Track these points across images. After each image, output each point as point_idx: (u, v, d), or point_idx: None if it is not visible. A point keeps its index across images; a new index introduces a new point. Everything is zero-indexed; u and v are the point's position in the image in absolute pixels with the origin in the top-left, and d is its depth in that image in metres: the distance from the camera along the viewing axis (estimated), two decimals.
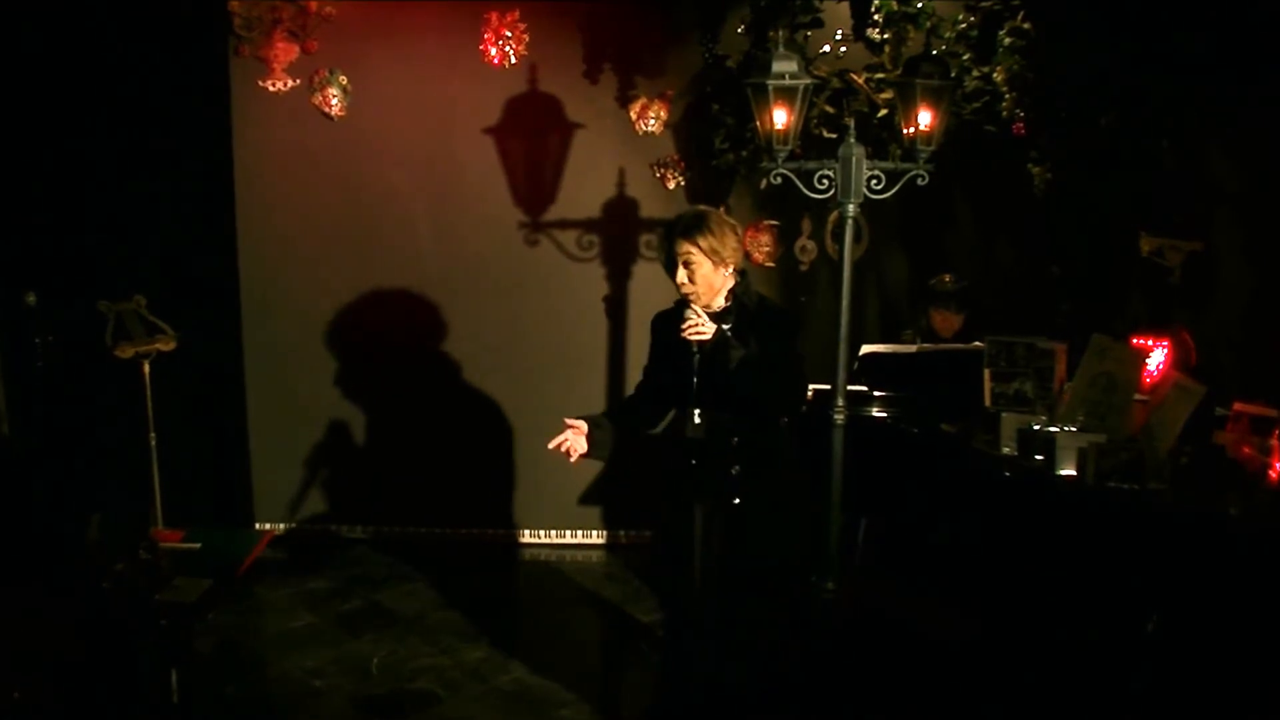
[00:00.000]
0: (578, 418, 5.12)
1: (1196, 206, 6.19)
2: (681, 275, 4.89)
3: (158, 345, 6.84)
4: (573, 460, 5.11)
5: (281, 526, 8.16)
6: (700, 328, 4.77)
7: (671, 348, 4.97)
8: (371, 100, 7.90)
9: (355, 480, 8.29)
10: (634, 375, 7.70)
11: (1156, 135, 6.31)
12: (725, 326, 4.85)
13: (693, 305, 4.87)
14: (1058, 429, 5.51)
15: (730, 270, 4.92)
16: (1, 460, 6.70)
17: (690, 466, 5.01)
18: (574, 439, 5.07)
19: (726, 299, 4.96)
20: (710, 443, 4.96)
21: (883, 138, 7.08)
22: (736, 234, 4.96)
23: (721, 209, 7.47)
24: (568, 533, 8.29)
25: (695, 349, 4.86)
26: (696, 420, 4.96)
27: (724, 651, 5.09)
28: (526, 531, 8.31)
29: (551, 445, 5.11)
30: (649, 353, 5.27)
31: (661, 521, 5.35)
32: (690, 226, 4.89)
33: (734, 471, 4.94)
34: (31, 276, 6.75)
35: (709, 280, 4.89)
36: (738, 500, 4.94)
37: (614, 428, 5.17)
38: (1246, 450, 5.01)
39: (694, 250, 4.85)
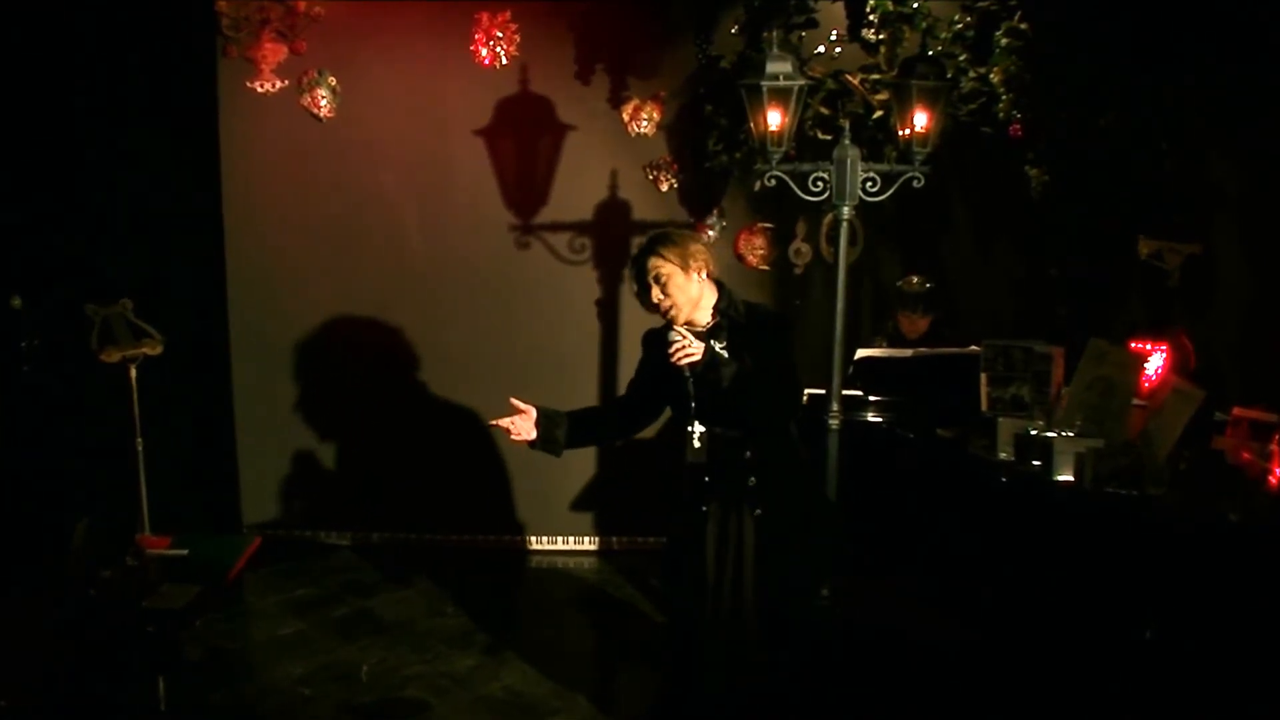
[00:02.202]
0: (531, 404, 5.06)
1: (1196, 209, 6.14)
2: (656, 294, 4.80)
3: (144, 349, 6.78)
4: (512, 439, 5.03)
5: (270, 532, 8.05)
6: (689, 350, 4.63)
7: (662, 369, 4.83)
8: (361, 101, 7.88)
9: (344, 486, 8.26)
10: (626, 378, 7.66)
11: (1155, 137, 6.26)
12: (719, 346, 4.75)
13: (675, 327, 4.75)
14: (1055, 434, 5.46)
15: (702, 276, 4.83)
16: None
17: (703, 483, 4.92)
18: (520, 423, 5.01)
19: (713, 316, 4.87)
20: (721, 461, 4.86)
21: (878, 139, 7.05)
22: (700, 239, 4.96)
23: (715, 212, 7.55)
24: (560, 539, 8.26)
25: (688, 372, 4.72)
26: (696, 444, 4.84)
27: (732, 663, 5.02)
28: (519, 538, 8.28)
29: (492, 423, 5.05)
30: (637, 367, 5.17)
31: (674, 534, 5.25)
32: (651, 243, 4.84)
33: (750, 483, 4.86)
34: (17, 280, 6.71)
35: (685, 291, 4.79)
36: (759, 511, 4.86)
37: (570, 427, 5.10)
38: (1246, 455, 4.95)
39: (662, 263, 4.76)
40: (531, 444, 5.05)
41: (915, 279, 7.15)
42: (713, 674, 5.04)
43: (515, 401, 5.04)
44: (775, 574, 4.90)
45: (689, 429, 4.84)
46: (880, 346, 7.04)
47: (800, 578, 5.05)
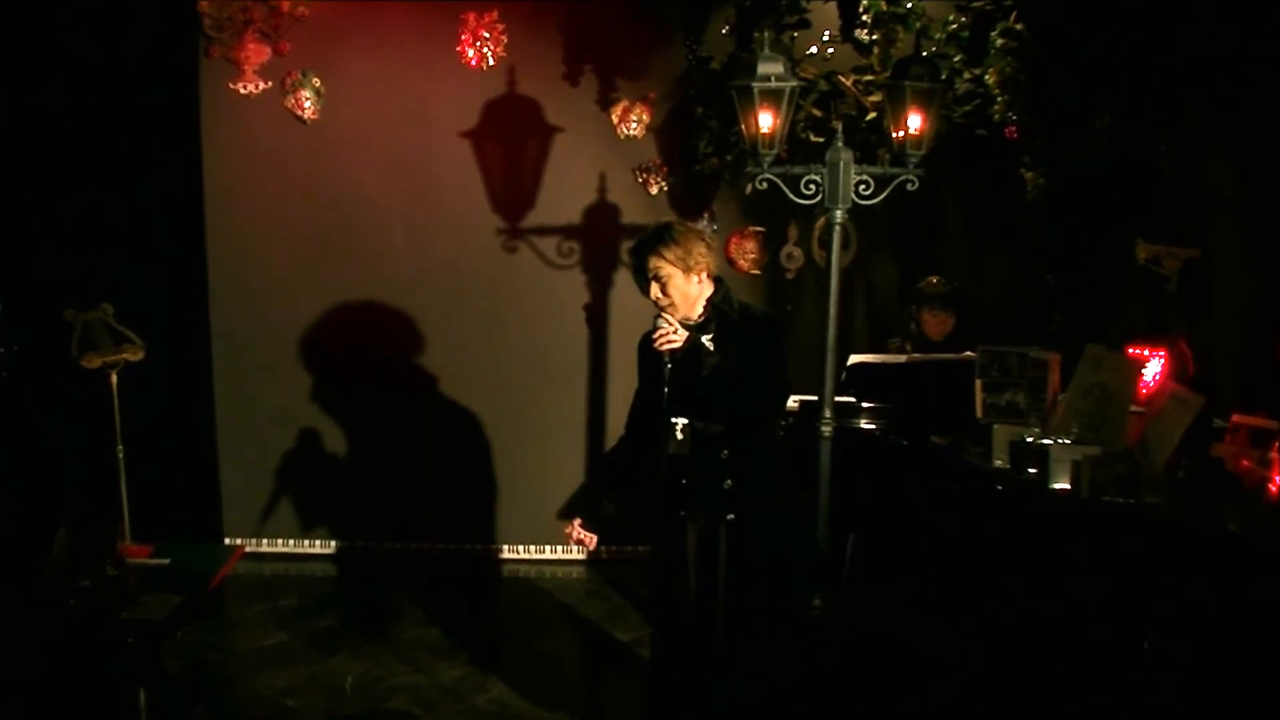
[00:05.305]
0: (583, 524, 5.26)
1: (1194, 212, 6.11)
2: (655, 291, 4.87)
3: (125, 355, 6.78)
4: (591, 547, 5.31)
5: (253, 542, 8.03)
6: (671, 337, 4.75)
7: (652, 363, 4.92)
8: (345, 103, 7.82)
9: (329, 494, 8.20)
10: (615, 385, 7.74)
11: (1153, 139, 6.22)
12: (706, 337, 4.83)
13: (664, 315, 4.83)
14: (1051, 441, 5.42)
15: (703, 278, 4.89)
16: None
17: (680, 484, 4.93)
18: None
19: (705, 309, 4.91)
20: (699, 458, 4.88)
21: (871, 142, 7.02)
22: (704, 240, 4.92)
23: (706, 214, 7.48)
24: (547, 548, 8.18)
25: (667, 359, 4.80)
26: (679, 436, 4.89)
27: (715, 671, 5.02)
28: (505, 546, 8.21)
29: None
30: (639, 377, 5.17)
31: (658, 542, 5.25)
32: (654, 239, 4.86)
33: (726, 486, 4.86)
34: None
35: (684, 291, 4.85)
36: (732, 516, 4.87)
37: (609, 488, 5.25)
38: (1245, 463, 4.92)
39: (663, 263, 4.82)
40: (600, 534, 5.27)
41: (936, 279, 7.07)
42: (696, 682, 5.06)
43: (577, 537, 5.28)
44: (748, 581, 4.92)
45: (672, 420, 4.89)
46: (897, 348, 7.03)
47: (772, 585, 5.02)
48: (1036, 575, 5.35)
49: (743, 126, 5.85)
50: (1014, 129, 6.96)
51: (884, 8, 7.02)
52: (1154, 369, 5.62)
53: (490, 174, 7.82)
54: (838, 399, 6.07)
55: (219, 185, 7.82)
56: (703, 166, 7.54)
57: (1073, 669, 5.13)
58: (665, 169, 7.82)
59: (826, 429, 5.92)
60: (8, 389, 6.77)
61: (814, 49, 7.27)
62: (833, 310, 5.92)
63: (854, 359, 6.59)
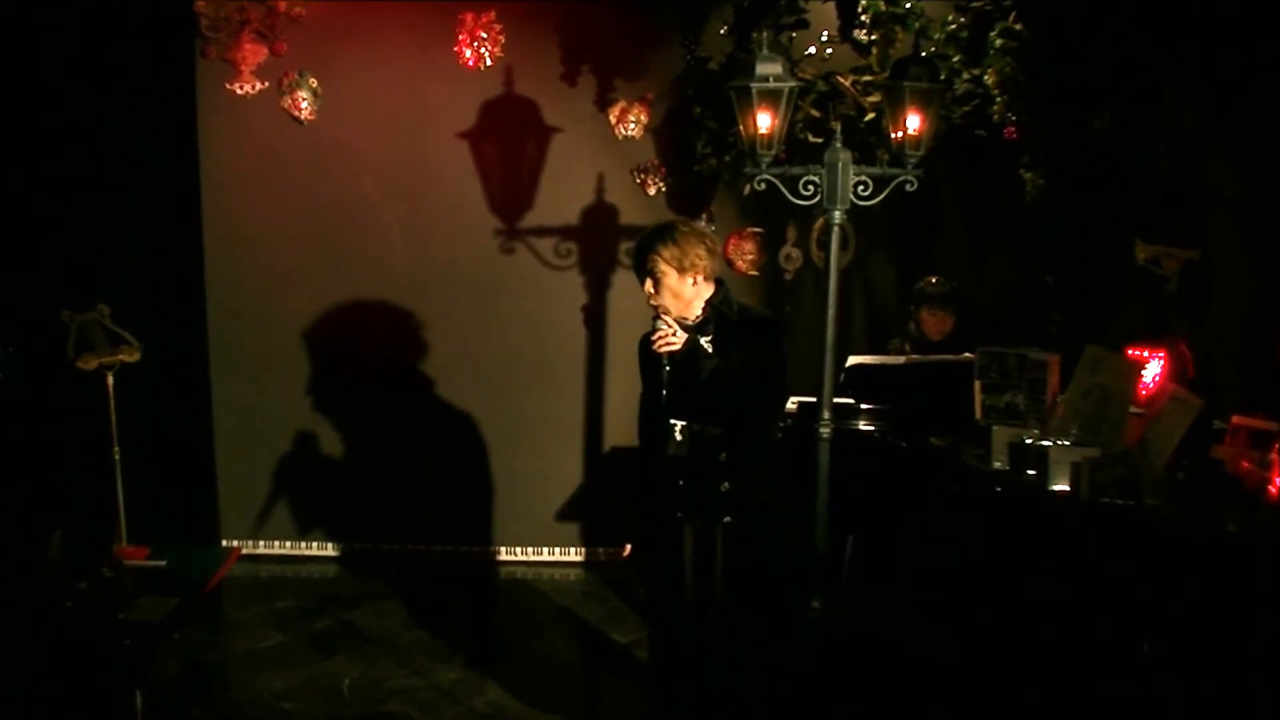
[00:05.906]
0: None
1: (1194, 213, 6.09)
2: (649, 287, 4.93)
3: (121, 356, 6.77)
4: None
5: (250, 543, 8.03)
6: (670, 338, 4.78)
7: (651, 364, 4.94)
8: (342, 103, 7.79)
9: (325, 496, 8.18)
10: (613, 386, 7.73)
11: (1153, 139, 6.21)
12: (705, 339, 4.86)
13: (663, 317, 4.86)
14: (1051, 443, 5.42)
15: (700, 280, 4.92)
16: None
17: (677, 486, 4.93)
18: None
19: (704, 310, 4.94)
20: (696, 459, 4.89)
21: (870, 142, 7.00)
22: (705, 243, 4.95)
23: (704, 215, 7.45)
24: (545, 550, 8.16)
25: (665, 360, 4.83)
26: (678, 436, 4.92)
27: (712, 671, 5.05)
28: (503, 548, 8.18)
29: None
30: (642, 379, 5.16)
31: (647, 538, 5.27)
32: (654, 237, 4.92)
33: (723, 488, 4.87)
34: None
35: (676, 291, 4.90)
36: (729, 518, 4.88)
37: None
38: (1245, 465, 4.91)
39: (658, 260, 4.87)
40: None
41: (935, 279, 7.06)
42: (694, 684, 5.09)
43: None
44: (744, 582, 4.94)
45: (670, 422, 4.92)
46: (898, 349, 7.02)
47: (768, 587, 5.06)
48: (1036, 577, 5.34)
49: (741, 127, 5.82)
50: (1013, 129, 6.94)
51: (883, 8, 7.01)
52: (1154, 370, 5.63)
53: (488, 175, 7.80)
54: (836, 400, 6.03)
55: (216, 186, 7.80)
56: (701, 167, 7.53)
57: (1072, 670, 5.12)
58: (663, 170, 7.80)
59: (825, 430, 5.89)
60: (3, 390, 6.74)
61: (812, 49, 7.24)
62: (831, 311, 5.88)
63: (853, 360, 6.57)
